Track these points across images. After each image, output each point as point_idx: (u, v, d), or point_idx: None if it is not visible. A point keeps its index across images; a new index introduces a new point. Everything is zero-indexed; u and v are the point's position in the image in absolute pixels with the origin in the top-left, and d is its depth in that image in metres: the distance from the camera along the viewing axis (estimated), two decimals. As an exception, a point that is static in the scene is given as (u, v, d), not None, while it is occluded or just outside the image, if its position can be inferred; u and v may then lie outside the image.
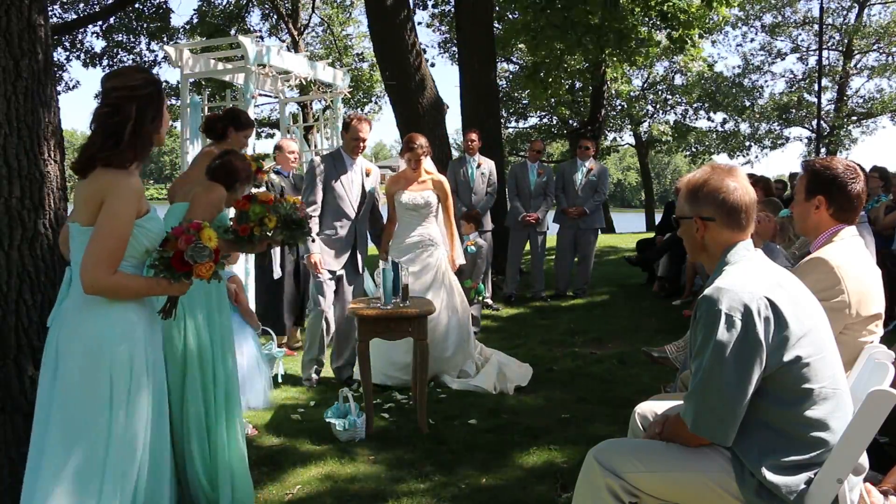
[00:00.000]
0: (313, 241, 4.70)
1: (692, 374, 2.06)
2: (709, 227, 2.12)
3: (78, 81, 16.24)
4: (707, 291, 2.02)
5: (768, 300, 1.96)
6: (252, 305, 5.57)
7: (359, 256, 4.97)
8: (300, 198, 3.88)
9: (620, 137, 26.23)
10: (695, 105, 23.83)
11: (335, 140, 6.82)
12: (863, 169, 2.70)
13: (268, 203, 2.83)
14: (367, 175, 5.01)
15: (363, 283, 5.20)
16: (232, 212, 3.09)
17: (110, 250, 2.18)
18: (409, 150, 5.05)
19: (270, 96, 9.11)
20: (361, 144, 4.85)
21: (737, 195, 2.10)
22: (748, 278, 2.02)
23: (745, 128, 24.35)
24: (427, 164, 5.14)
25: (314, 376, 5.02)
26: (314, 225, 4.71)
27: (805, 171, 2.68)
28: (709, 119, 24.59)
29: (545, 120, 23.72)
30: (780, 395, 1.99)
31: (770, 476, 1.97)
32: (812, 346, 2.00)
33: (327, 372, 5.16)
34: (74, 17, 14.66)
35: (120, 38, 15.89)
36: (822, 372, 2.00)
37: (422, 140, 5.07)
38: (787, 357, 1.96)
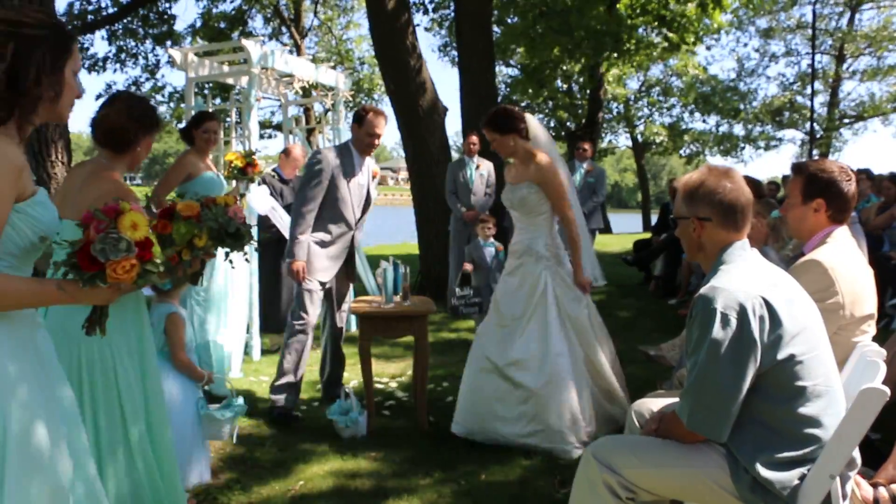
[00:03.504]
0: (296, 242, 4.06)
1: (687, 372, 2.09)
2: (705, 227, 2.15)
3: (83, 89, 16.22)
4: (703, 290, 2.05)
5: (763, 299, 1.99)
6: (255, 309, 5.56)
7: (357, 264, 4.47)
8: (235, 195, 3.29)
9: (616, 140, 26.34)
10: (689, 107, 23.94)
11: (336, 143, 6.83)
12: (853, 170, 2.74)
13: (194, 217, 2.16)
14: (374, 178, 4.43)
15: (354, 291, 4.68)
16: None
17: None
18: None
19: (273, 99, 9.15)
20: (376, 142, 4.21)
21: (733, 196, 2.13)
22: (743, 278, 2.05)
23: (738, 129, 24.49)
24: (534, 140, 3.86)
25: (285, 404, 4.16)
26: (306, 227, 4.09)
27: (800, 175, 2.69)
28: (703, 122, 24.73)
29: (543, 122, 23.78)
30: (773, 393, 2.02)
31: (764, 472, 2.00)
32: (805, 344, 2.02)
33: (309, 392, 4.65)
34: (80, 24, 14.68)
35: (124, 44, 15.89)
36: (816, 370, 2.03)
37: (503, 109, 3.93)
38: (781, 355, 1.99)
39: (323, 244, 4.20)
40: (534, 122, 3.89)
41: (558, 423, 3.63)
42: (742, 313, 1.97)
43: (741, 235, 2.17)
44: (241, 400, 3.20)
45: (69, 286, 1.68)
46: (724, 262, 2.13)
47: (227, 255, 2.30)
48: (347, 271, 4.41)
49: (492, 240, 6.05)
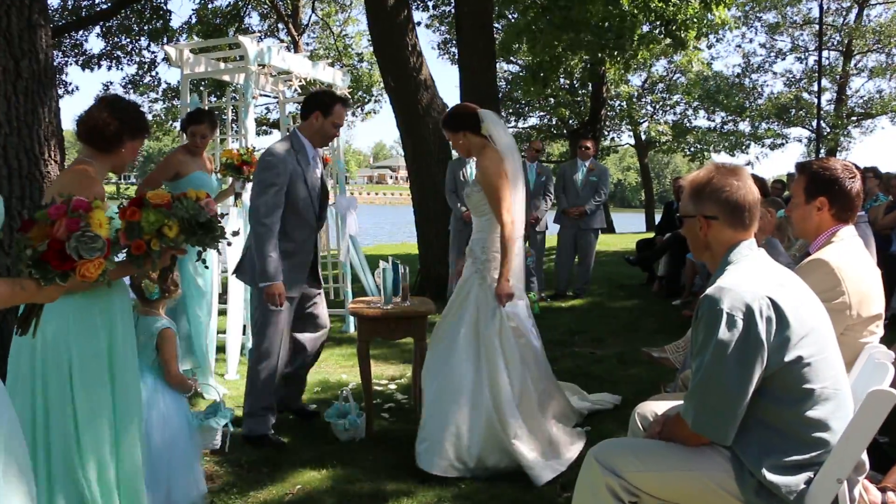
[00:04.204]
0: (269, 261, 3.61)
1: (693, 373, 2.06)
2: (712, 225, 2.12)
3: (76, 87, 16.18)
4: (709, 291, 2.02)
5: (770, 300, 1.96)
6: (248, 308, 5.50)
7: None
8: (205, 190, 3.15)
9: (618, 137, 26.31)
10: (694, 105, 23.88)
11: (335, 140, 6.73)
12: (858, 168, 2.70)
13: (164, 206, 2.09)
14: (326, 165, 4.08)
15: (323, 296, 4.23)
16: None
17: None
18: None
19: (270, 96, 9.10)
20: (338, 133, 3.91)
21: (740, 194, 2.10)
22: (750, 278, 2.02)
23: (744, 127, 24.40)
24: (492, 138, 3.62)
25: (264, 432, 3.81)
26: (276, 241, 3.65)
27: (803, 174, 2.67)
28: (708, 119, 24.67)
29: (545, 120, 23.77)
30: (780, 395, 1.99)
31: (770, 476, 1.97)
32: (814, 346, 1.99)
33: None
34: (74, 19, 14.64)
35: (119, 40, 15.87)
36: (824, 372, 2.00)
37: (455, 106, 3.83)
38: (789, 357, 1.96)
39: (286, 255, 3.72)
40: (490, 119, 3.69)
41: (440, 434, 3.43)
42: (748, 314, 1.94)
43: (748, 235, 2.13)
44: (227, 404, 3.18)
45: (30, 285, 1.61)
46: (730, 262, 2.10)
47: (199, 253, 2.20)
48: (314, 276, 4.04)
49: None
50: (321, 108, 3.75)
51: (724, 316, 1.94)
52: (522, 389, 3.54)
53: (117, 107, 2.49)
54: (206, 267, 2.47)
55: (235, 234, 2.55)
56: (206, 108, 6.43)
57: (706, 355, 1.98)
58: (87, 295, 1.92)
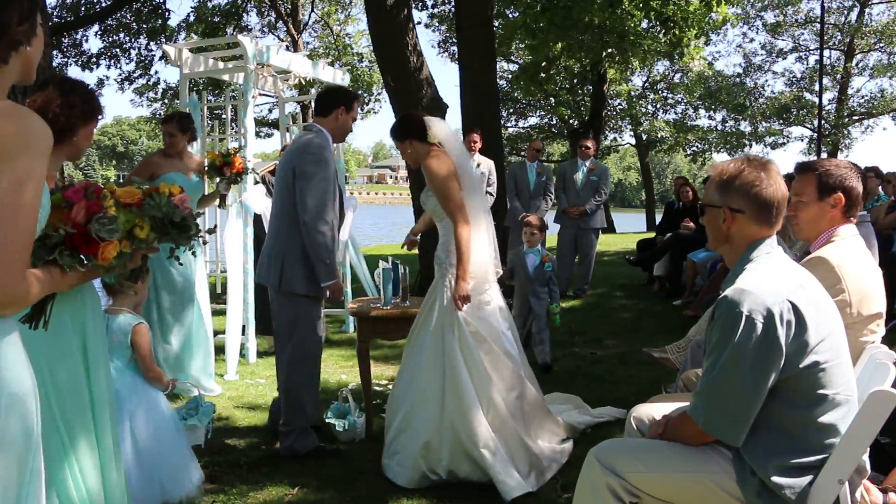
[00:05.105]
0: (334, 258, 3.55)
1: (704, 371, 2.05)
2: (737, 218, 2.10)
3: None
4: (728, 292, 1.99)
5: (791, 303, 1.94)
6: (251, 310, 5.49)
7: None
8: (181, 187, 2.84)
9: (620, 137, 26.28)
10: (695, 104, 23.84)
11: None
12: (860, 168, 2.70)
13: (135, 205, 1.91)
14: None
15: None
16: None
17: (22, 239, 1.35)
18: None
19: (270, 96, 9.09)
20: (352, 129, 3.94)
21: (770, 190, 2.07)
22: (771, 279, 2.00)
23: (744, 126, 24.35)
24: (442, 144, 3.62)
25: (316, 444, 3.70)
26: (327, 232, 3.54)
27: (809, 172, 2.65)
28: (709, 118, 24.64)
29: (545, 120, 23.74)
30: (793, 399, 1.98)
31: (774, 477, 1.96)
32: (830, 351, 1.98)
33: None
34: (72, 17, 14.61)
35: (117, 38, 15.84)
36: (837, 378, 1.99)
37: (401, 116, 3.82)
38: (805, 362, 1.95)
39: None
40: (437, 125, 3.63)
41: (412, 446, 3.37)
42: (769, 318, 1.92)
43: (772, 232, 2.11)
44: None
45: (56, 272, 1.57)
46: (751, 260, 2.07)
47: (171, 251, 2.07)
48: None
49: (538, 247, 5.39)
50: (345, 103, 3.76)
51: (744, 319, 1.92)
52: (490, 399, 3.37)
53: (66, 91, 2.28)
54: (181, 264, 2.41)
55: (211, 231, 2.49)
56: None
57: (722, 356, 1.96)
58: (57, 297, 1.80)
